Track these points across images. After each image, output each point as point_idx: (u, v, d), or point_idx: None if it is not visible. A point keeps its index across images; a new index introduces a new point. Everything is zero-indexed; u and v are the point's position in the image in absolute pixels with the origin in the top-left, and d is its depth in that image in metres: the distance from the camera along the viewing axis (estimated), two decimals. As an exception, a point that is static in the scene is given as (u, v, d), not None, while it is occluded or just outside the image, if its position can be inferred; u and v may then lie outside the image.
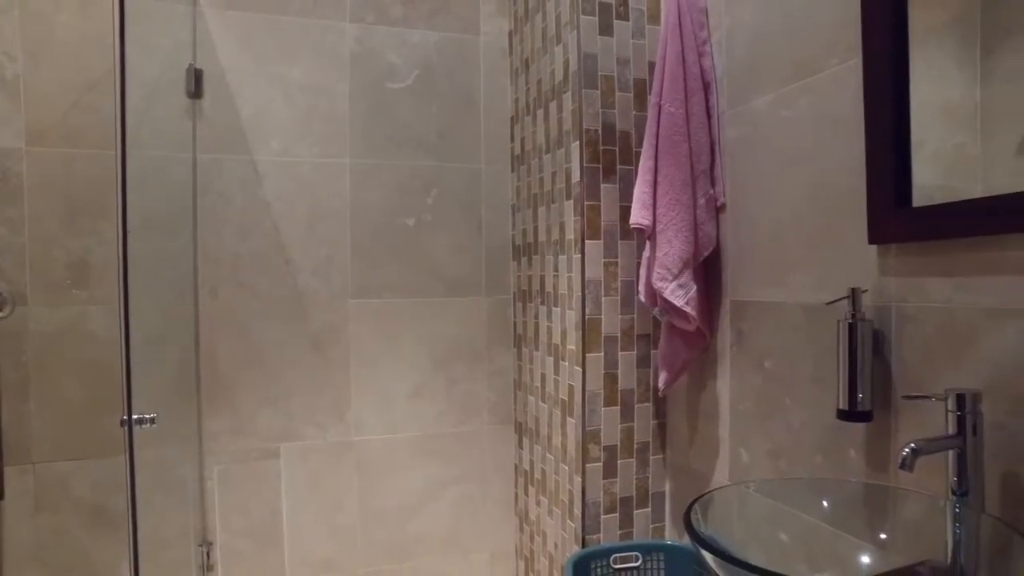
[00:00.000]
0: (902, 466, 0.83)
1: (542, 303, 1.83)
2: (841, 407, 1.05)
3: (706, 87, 1.46)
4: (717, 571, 0.79)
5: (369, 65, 1.93)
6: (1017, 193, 0.83)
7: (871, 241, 1.04)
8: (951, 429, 0.88)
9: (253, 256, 1.84)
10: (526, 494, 1.99)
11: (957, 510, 0.86)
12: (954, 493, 0.87)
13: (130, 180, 1.24)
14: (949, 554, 0.85)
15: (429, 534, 2.01)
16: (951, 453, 0.88)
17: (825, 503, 0.99)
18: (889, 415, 1.03)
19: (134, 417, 1.33)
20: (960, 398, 0.87)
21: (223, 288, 1.82)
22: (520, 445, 2.04)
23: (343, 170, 1.91)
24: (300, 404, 1.88)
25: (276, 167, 1.85)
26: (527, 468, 1.98)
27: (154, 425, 1.46)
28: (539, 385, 1.86)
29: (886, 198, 1.02)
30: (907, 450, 0.83)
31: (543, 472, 1.84)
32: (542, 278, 1.83)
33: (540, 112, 1.81)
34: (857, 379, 1.03)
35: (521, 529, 2.06)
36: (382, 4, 1.93)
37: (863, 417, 1.04)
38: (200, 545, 1.81)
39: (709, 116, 1.45)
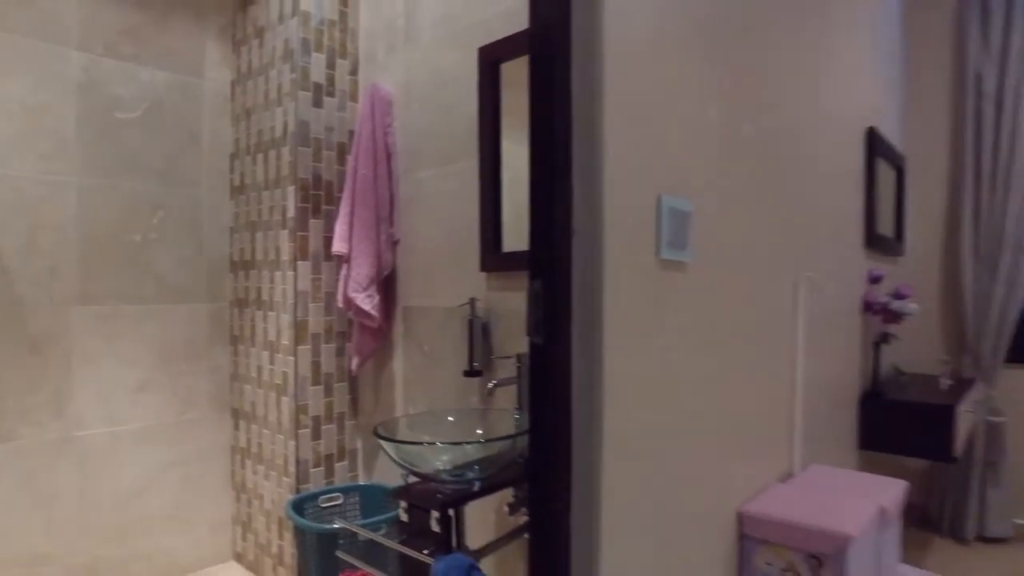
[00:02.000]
0: (489, 394, 1.55)
1: (259, 309, 2.26)
2: (465, 369, 1.77)
3: (389, 157, 2.10)
4: (389, 452, 1.40)
5: (97, 94, 2.12)
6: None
7: (481, 269, 1.78)
8: (515, 373, 1.64)
9: (-38, 265, 1.88)
10: (243, 468, 2.38)
11: (516, 416, 1.62)
12: (517, 408, 1.63)
13: None
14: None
15: (151, 515, 2.25)
16: (515, 386, 1.64)
17: (451, 417, 1.67)
18: (491, 370, 1.78)
19: None
20: (519, 356, 1.64)
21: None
22: (237, 428, 2.41)
23: (69, 187, 2.06)
24: (13, 404, 1.97)
25: (-9, 180, 1.93)
26: (244, 446, 2.36)
27: None
28: (256, 375, 2.28)
29: (488, 244, 1.77)
30: (491, 384, 1.56)
31: (259, 445, 2.27)
32: (259, 289, 2.26)
33: (260, 156, 2.25)
34: (474, 352, 1.76)
35: (238, 499, 2.42)
36: (111, 39, 2.14)
37: (476, 373, 1.77)
38: None
39: (391, 178, 2.09)
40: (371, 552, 1.72)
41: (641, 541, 1.17)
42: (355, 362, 2.11)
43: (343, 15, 2.20)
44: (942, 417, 2.22)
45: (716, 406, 1.39)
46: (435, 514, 1.39)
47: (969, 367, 2.96)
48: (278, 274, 2.16)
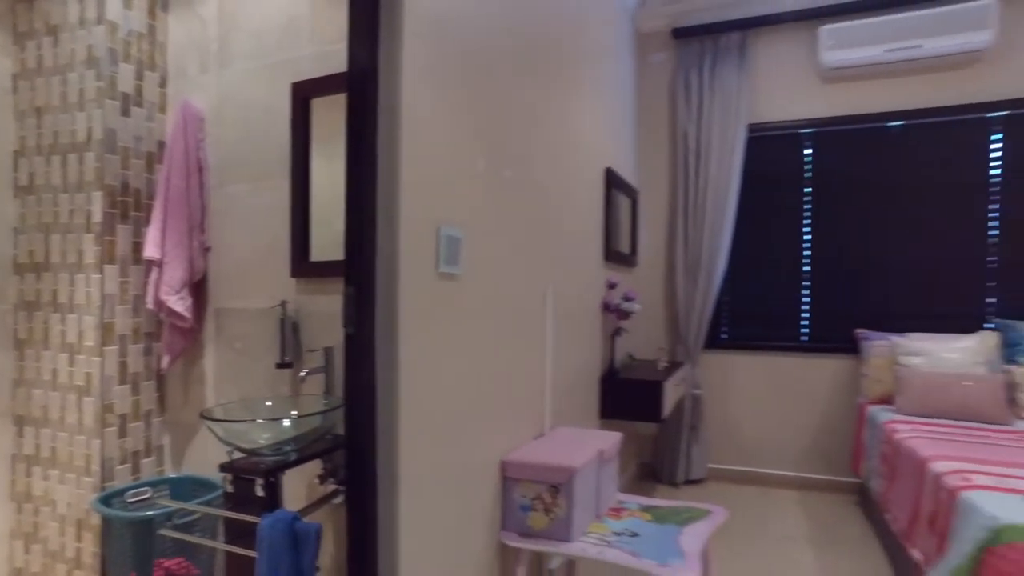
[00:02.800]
0: (301, 382, 1.85)
1: (54, 311, 2.27)
2: (278, 362, 2.03)
3: (201, 170, 2.27)
4: (216, 432, 1.64)
5: None
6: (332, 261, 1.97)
7: (292, 275, 2.06)
8: (323, 363, 1.95)
9: None
10: (28, 476, 2.34)
11: (325, 402, 1.94)
12: (325, 393, 1.95)
13: None
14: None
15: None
16: (323, 375, 1.95)
17: (268, 403, 1.94)
18: (300, 362, 2.07)
19: None
20: (326, 349, 1.95)
21: None
22: (21, 435, 2.36)
23: None
24: None
25: None
26: (31, 452, 2.33)
27: None
28: (49, 379, 2.28)
29: (298, 254, 2.06)
30: (302, 373, 1.86)
31: (53, 450, 2.27)
32: (54, 291, 2.27)
33: (57, 158, 2.26)
34: (286, 347, 2.04)
35: (20, 511, 2.37)
36: None
37: (288, 366, 2.05)
38: None
39: (202, 189, 2.27)
40: (187, 537, 1.91)
41: (431, 482, 1.57)
42: (165, 361, 2.24)
43: (152, 28, 2.31)
44: (654, 390, 2.97)
45: (485, 382, 1.86)
46: (259, 482, 1.67)
47: (680, 353, 3.87)
48: (80, 277, 2.20)
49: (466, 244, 1.69)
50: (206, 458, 2.28)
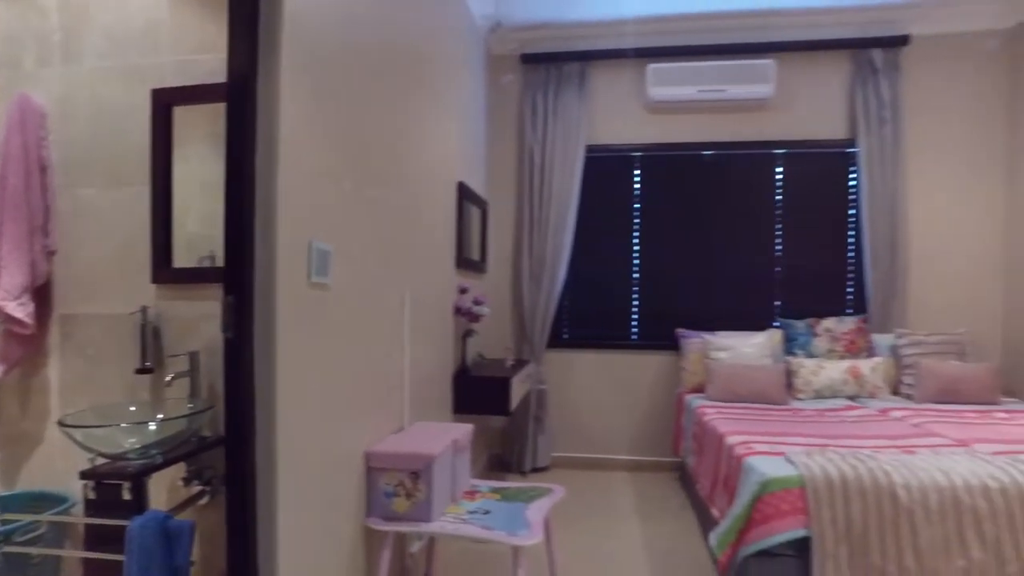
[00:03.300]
0: (167, 385, 1.89)
1: None
2: (138, 367, 2.03)
3: (43, 169, 2.18)
4: (76, 438, 1.65)
5: None
6: (195, 268, 2.03)
7: (153, 281, 2.07)
8: (188, 367, 1.99)
9: None
10: None
11: (190, 405, 1.98)
12: (190, 396, 1.99)
13: None
14: (184, 421, 1.96)
15: None
16: (188, 379, 1.99)
17: (132, 408, 1.94)
18: (162, 367, 2.08)
19: None
20: (192, 354, 2.00)
21: None
22: None
23: None
24: None
25: None
26: None
27: None
28: None
29: (160, 261, 2.07)
30: (169, 377, 1.90)
31: None
32: None
33: None
34: (147, 352, 2.04)
35: None
36: None
37: (149, 371, 2.05)
38: None
39: (45, 190, 2.18)
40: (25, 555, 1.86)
41: (305, 474, 1.71)
42: (1, 369, 2.13)
43: (-22, 16, 2.19)
44: (503, 386, 3.26)
45: (351, 381, 2.01)
46: (127, 485, 1.70)
47: (526, 352, 4.22)
48: None
49: (334, 256, 1.84)
50: (52, 471, 2.19)
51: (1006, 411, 3.35)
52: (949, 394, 3.57)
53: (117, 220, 2.13)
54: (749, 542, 2.22)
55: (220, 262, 2.09)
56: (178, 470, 1.96)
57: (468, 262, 3.56)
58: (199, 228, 2.15)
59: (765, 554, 2.20)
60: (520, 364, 3.83)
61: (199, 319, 2.06)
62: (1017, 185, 3.96)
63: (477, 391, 3.30)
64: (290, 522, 1.62)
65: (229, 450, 1.51)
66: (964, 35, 4.04)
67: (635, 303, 4.39)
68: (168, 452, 1.83)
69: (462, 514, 2.14)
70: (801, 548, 2.17)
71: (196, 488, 1.98)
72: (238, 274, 1.49)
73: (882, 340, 3.99)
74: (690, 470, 3.49)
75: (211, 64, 2.10)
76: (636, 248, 4.38)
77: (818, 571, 2.14)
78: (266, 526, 1.56)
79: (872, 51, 4.01)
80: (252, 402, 1.50)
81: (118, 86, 2.15)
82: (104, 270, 2.14)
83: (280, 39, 1.57)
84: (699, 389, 3.98)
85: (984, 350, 4.02)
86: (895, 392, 3.87)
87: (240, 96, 1.52)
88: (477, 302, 3.38)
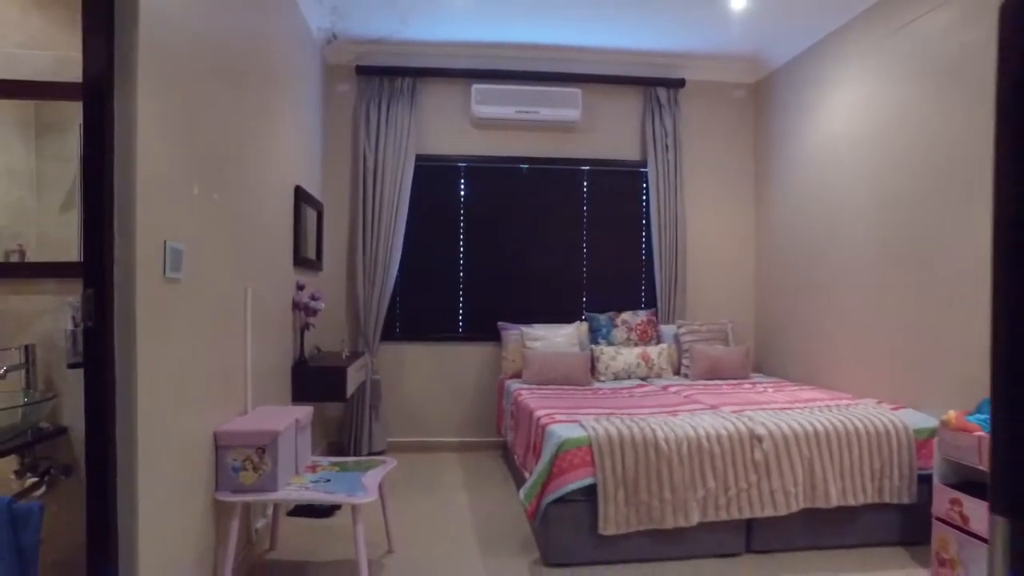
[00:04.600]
0: (2, 377, 1.93)
1: None
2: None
3: None
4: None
5: None
6: (22, 263, 2.09)
7: (-21, 277, 2.07)
8: (22, 360, 2.03)
9: None
10: None
11: (25, 399, 2.02)
12: (25, 388, 2.03)
13: None
14: (21, 412, 2.00)
15: None
16: (22, 373, 2.03)
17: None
18: None
19: None
20: (27, 347, 2.04)
21: None
22: None
23: None
24: None
25: None
26: None
27: None
28: None
29: (-11, 256, 2.08)
30: (2, 369, 1.94)
31: None
32: None
33: None
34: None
35: None
36: None
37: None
38: None
39: None
40: None
41: (162, 453, 1.87)
42: None
43: None
44: (339, 375, 3.51)
45: (201, 367, 2.18)
46: (-36, 473, 1.74)
47: (361, 344, 4.48)
48: None
49: (186, 254, 2.02)
50: None
51: (752, 383, 4.26)
52: (714, 372, 4.43)
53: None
54: (549, 492, 2.72)
55: (30, 256, 2.15)
56: (8, 464, 2.00)
57: (305, 260, 3.74)
58: (5, 220, 2.17)
59: (562, 501, 2.72)
60: (355, 355, 4.08)
61: (31, 314, 2.10)
62: (761, 204, 5.00)
63: (315, 380, 3.51)
64: (147, 500, 1.79)
65: (90, 434, 1.65)
66: (723, 84, 5.01)
67: (461, 299, 4.82)
68: (6, 442, 1.89)
69: (305, 484, 2.39)
70: (589, 493, 2.72)
71: (30, 480, 2.03)
72: (97, 268, 1.64)
73: (667, 330, 4.80)
74: (510, 445, 3.99)
75: (37, 61, 2.15)
76: (462, 249, 4.82)
77: (602, 510, 2.69)
78: (126, 504, 1.72)
79: (658, 88, 4.82)
80: (113, 388, 1.66)
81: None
82: (-81, 265, 2.09)
83: (137, 42, 1.72)
84: (517, 375, 4.50)
85: (741, 336, 5.00)
86: (676, 372, 4.69)
87: (98, 97, 1.66)
88: (314, 298, 3.58)
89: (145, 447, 1.77)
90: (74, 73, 2.12)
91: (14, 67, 2.14)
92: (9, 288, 2.11)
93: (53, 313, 2.13)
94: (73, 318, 2.05)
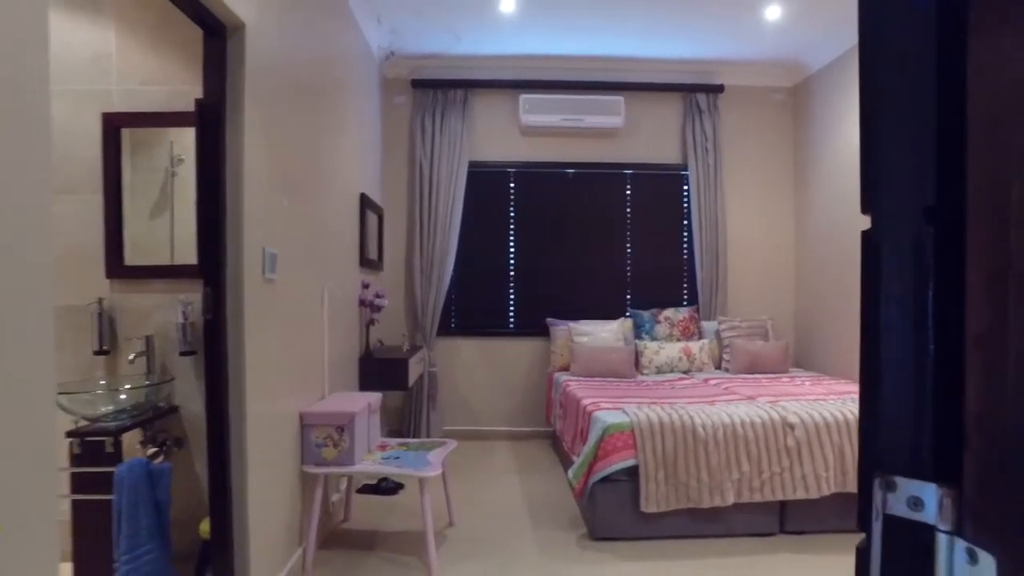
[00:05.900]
0: (131, 363, 2.30)
1: None
2: (96, 350, 2.41)
3: (-3, 180, 2.49)
4: (63, 403, 2.05)
5: None
6: (160, 266, 2.46)
7: (107, 276, 2.46)
8: (145, 349, 2.41)
9: None
10: None
11: (147, 382, 2.39)
12: (147, 373, 2.40)
13: None
14: None
15: None
16: (145, 358, 2.41)
17: (102, 381, 2.33)
18: (117, 350, 2.47)
19: None
20: (148, 337, 2.41)
21: None
22: None
23: None
24: None
25: None
26: None
27: None
28: None
29: (113, 259, 2.46)
30: (131, 356, 2.31)
31: None
32: None
33: None
34: (103, 337, 2.42)
35: None
36: None
37: (105, 352, 2.43)
38: None
39: None
40: None
41: (263, 427, 2.20)
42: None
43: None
44: (401, 366, 3.84)
45: (290, 356, 2.52)
46: (110, 440, 2.11)
47: (419, 339, 4.81)
48: None
49: (279, 258, 2.35)
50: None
51: (790, 377, 4.40)
52: (754, 366, 4.59)
53: (68, 224, 2.49)
54: (596, 472, 2.97)
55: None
56: (135, 435, 2.38)
57: (368, 261, 4.09)
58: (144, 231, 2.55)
59: (607, 480, 2.96)
60: (415, 349, 4.41)
61: (151, 309, 2.48)
62: (800, 203, 5.11)
63: (380, 370, 3.85)
64: (255, 468, 2.12)
65: (210, 411, 1.99)
66: (762, 88, 5.14)
67: (511, 296, 5.11)
68: (135, 417, 2.26)
69: (377, 460, 2.71)
70: (632, 474, 2.95)
71: (151, 450, 2.41)
72: (213, 270, 1.98)
73: (709, 326, 4.97)
74: (558, 433, 4.25)
75: (154, 95, 2.52)
76: (512, 250, 5.10)
77: (643, 488, 2.93)
78: (238, 470, 2.06)
79: (698, 95, 5.00)
80: (226, 368, 1.99)
81: (65, 108, 2.49)
82: (59, 267, 2.49)
83: (244, 75, 2.06)
84: (565, 368, 4.76)
85: (781, 332, 5.13)
86: (717, 366, 4.86)
87: (214, 123, 2.00)
88: (379, 295, 3.92)
89: (252, 423, 2.11)
90: (182, 103, 2.49)
91: (134, 100, 2.52)
92: (132, 287, 2.49)
93: (164, 309, 2.50)
94: (183, 312, 2.42)
